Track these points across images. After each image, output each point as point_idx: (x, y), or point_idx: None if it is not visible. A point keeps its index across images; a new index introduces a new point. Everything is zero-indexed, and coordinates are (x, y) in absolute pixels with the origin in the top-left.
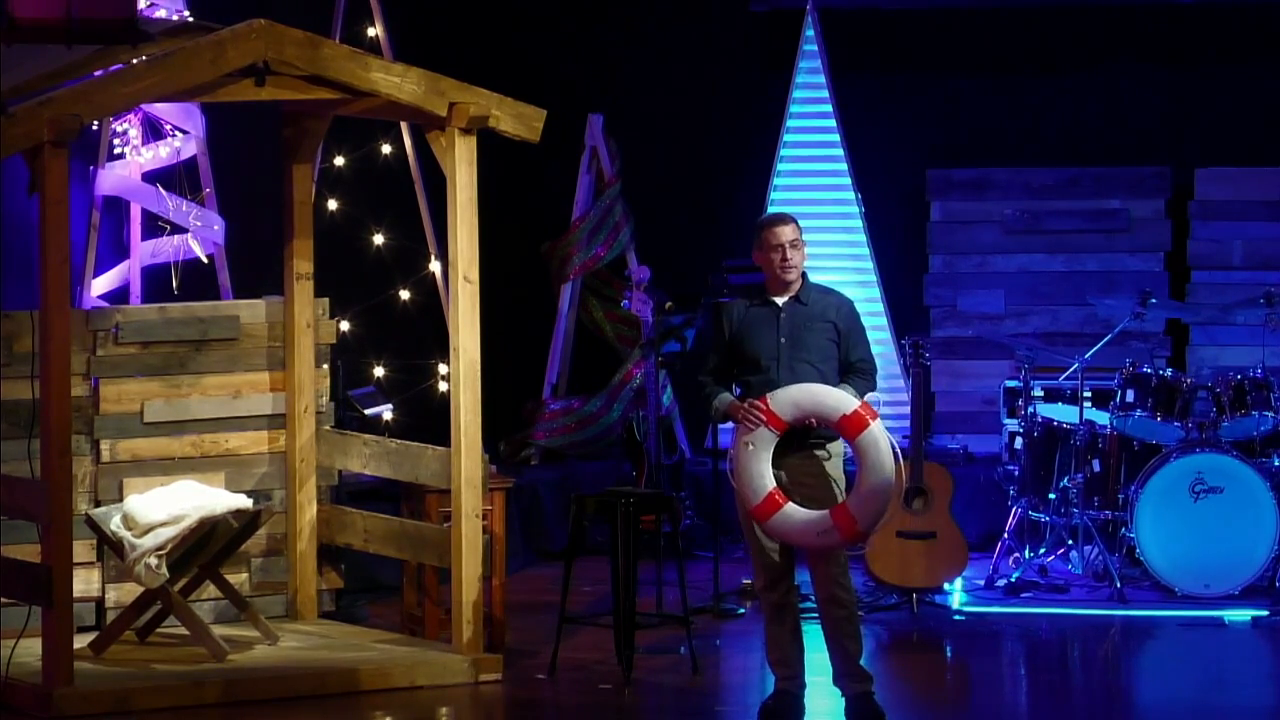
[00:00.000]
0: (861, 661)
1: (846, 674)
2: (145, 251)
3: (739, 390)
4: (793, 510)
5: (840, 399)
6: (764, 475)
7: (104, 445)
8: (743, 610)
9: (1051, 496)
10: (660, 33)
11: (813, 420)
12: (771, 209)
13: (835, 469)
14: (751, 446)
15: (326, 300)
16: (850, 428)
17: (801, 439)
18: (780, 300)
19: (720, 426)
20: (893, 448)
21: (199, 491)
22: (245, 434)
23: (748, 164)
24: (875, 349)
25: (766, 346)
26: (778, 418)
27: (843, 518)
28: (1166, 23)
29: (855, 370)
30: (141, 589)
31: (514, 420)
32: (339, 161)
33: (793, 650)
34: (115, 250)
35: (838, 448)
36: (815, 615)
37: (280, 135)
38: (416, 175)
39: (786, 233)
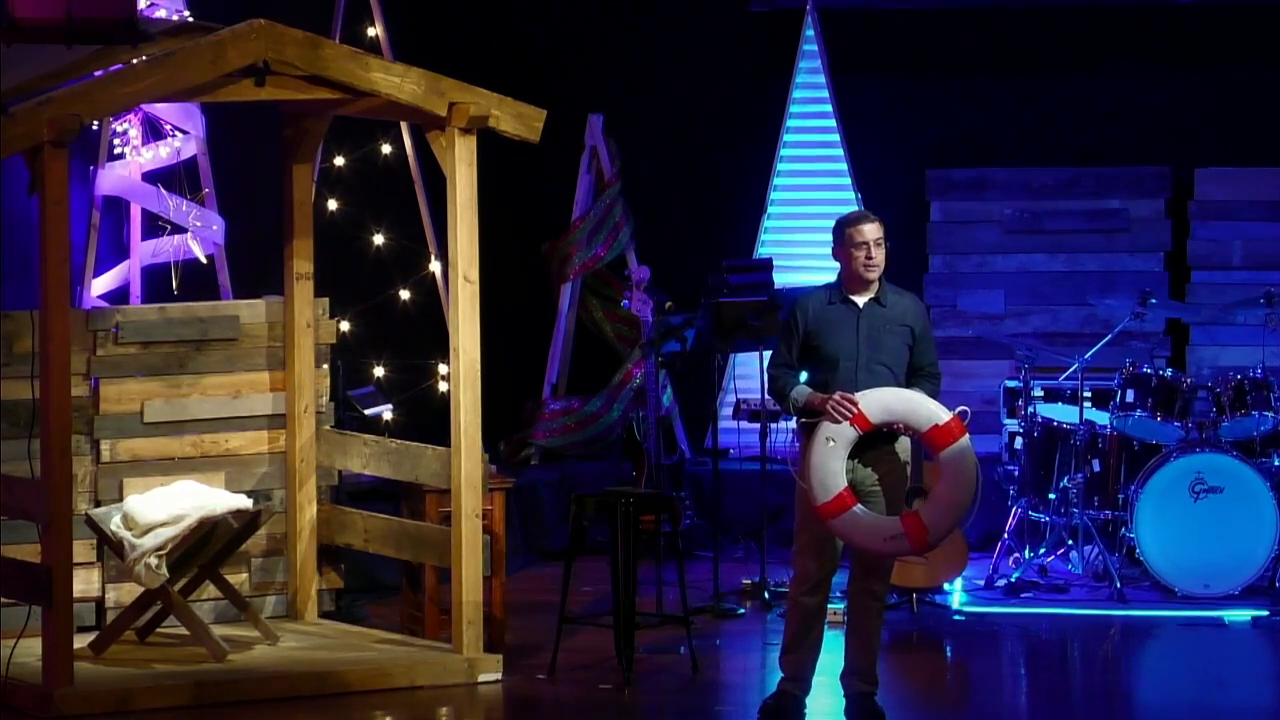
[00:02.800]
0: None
1: (859, 671)
2: (145, 251)
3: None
4: (861, 513)
5: (934, 409)
6: (838, 474)
7: (104, 445)
8: (743, 610)
9: (1051, 496)
10: (660, 33)
11: (899, 425)
12: (771, 209)
13: (904, 463)
14: (832, 443)
15: (326, 300)
16: (939, 439)
17: (875, 436)
18: (860, 300)
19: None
20: (976, 465)
21: (199, 491)
22: (245, 434)
23: (748, 164)
24: None
25: (845, 347)
26: (866, 418)
27: (914, 526)
28: (1166, 23)
29: (924, 374)
30: (141, 589)
31: (514, 420)
32: (339, 161)
33: (810, 655)
34: (115, 250)
35: (905, 444)
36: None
37: (280, 135)
38: (416, 175)
39: (872, 230)
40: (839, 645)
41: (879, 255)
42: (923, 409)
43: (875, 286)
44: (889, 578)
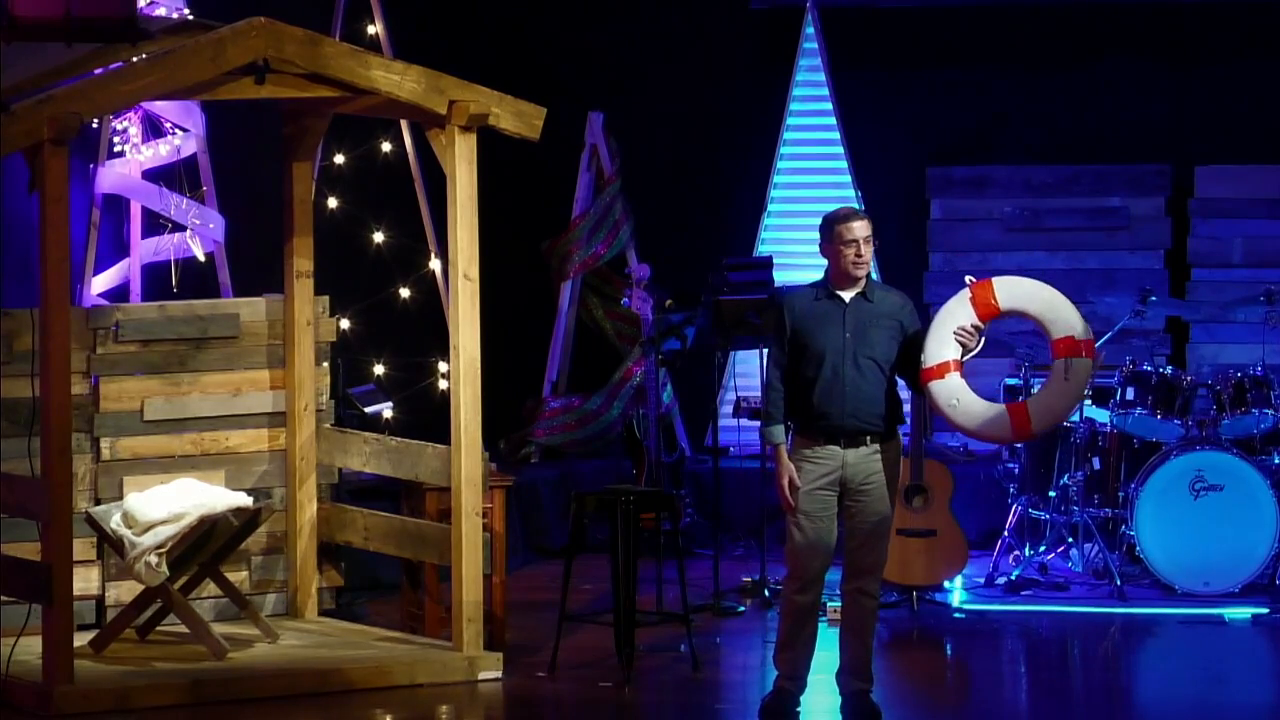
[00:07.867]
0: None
1: (854, 670)
2: (145, 249)
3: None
4: (962, 387)
5: (1076, 320)
6: (947, 344)
7: (104, 443)
8: (743, 608)
9: (1052, 494)
10: (660, 31)
11: (1032, 318)
12: (771, 207)
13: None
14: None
15: (327, 298)
16: (1062, 349)
17: (858, 438)
18: (846, 295)
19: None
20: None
21: (199, 489)
22: (245, 432)
23: (748, 162)
24: None
25: (832, 342)
26: (995, 306)
27: (1019, 415)
28: (1166, 21)
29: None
30: (142, 587)
31: (514, 418)
32: (339, 159)
33: (805, 653)
34: (115, 248)
35: (896, 445)
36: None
37: (280, 133)
38: (416, 173)
39: (861, 228)
40: (833, 643)
41: (868, 253)
42: (1062, 316)
43: (862, 283)
44: (881, 576)
